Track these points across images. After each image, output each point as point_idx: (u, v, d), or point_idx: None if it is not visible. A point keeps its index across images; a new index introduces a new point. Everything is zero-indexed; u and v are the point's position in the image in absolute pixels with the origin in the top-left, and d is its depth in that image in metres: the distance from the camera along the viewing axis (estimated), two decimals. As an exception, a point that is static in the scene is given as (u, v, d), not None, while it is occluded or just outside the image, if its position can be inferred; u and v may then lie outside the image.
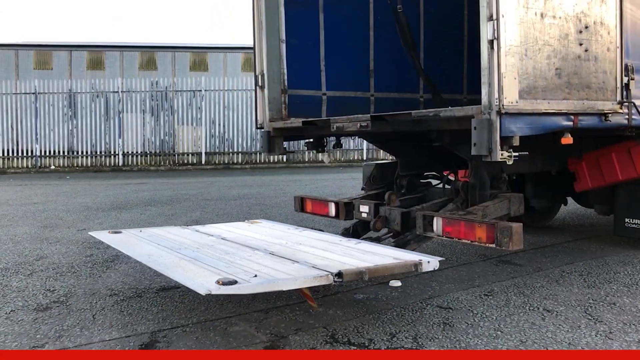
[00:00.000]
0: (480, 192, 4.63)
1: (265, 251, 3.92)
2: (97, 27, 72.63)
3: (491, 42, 3.30)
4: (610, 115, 4.04)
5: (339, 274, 3.15)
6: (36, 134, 19.89)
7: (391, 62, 6.39)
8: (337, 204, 5.08)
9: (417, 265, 3.42)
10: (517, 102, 3.37)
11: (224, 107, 20.87)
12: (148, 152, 20.69)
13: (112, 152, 20.39)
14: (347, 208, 5.01)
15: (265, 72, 5.49)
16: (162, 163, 20.68)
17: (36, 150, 19.94)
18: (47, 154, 20.10)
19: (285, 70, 5.62)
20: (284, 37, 5.63)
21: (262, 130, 5.55)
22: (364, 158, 20.97)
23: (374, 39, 6.27)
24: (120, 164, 20.29)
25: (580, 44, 3.78)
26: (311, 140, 5.77)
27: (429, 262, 3.43)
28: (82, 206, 9.65)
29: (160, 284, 4.65)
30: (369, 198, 5.18)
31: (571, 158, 5.36)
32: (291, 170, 18.72)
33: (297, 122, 5.21)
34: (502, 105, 3.30)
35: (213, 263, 3.52)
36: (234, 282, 2.94)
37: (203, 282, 3.03)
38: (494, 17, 3.27)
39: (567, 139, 3.91)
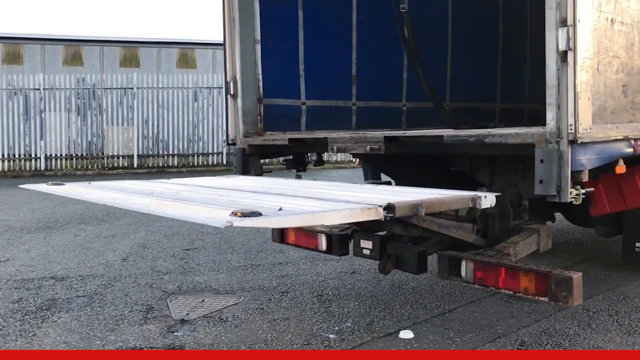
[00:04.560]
0: (501, 223, 3.96)
1: (269, 193, 3.04)
2: (15, 17, 68.06)
3: (564, 54, 2.61)
4: (668, 139, 3.47)
5: (389, 208, 2.48)
6: (-57, 135, 17.76)
7: (374, 67, 5.66)
8: (328, 236, 4.26)
9: (475, 200, 2.93)
10: (590, 128, 2.72)
11: (158, 106, 19.44)
12: (74, 155, 18.94)
13: (33, 155, 18.51)
14: (342, 241, 4.21)
15: (238, 78, 4.62)
16: (89, 167, 19.02)
17: (-57, 153, 17.82)
18: (-43, 157, 18.01)
19: (261, 76, 4.77)
20: (259, 37, 4.77)
21: (235, 147, 4.66)
22: (337, 160, 19.88)
23: (356, 41, 5.52)
24: (43, 168, 18.46)
25: (644, 56, 3.19)
26: (291, 157, 4.95)
27: (485, 197, 2.96)
28: (2, 226, 8.30)
29: (117, 344, 3.69)
30: (367, 227, 4.40)
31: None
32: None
33: (281, 138, 4.38)
34: (578, 133, 2.63)
35: (210, 202, 2.64)
36: (258, 214, 2.10)
37: (214, 215, 2.15)
38: (569, 22, 2.58)
39: (621, 168, 3.32)
